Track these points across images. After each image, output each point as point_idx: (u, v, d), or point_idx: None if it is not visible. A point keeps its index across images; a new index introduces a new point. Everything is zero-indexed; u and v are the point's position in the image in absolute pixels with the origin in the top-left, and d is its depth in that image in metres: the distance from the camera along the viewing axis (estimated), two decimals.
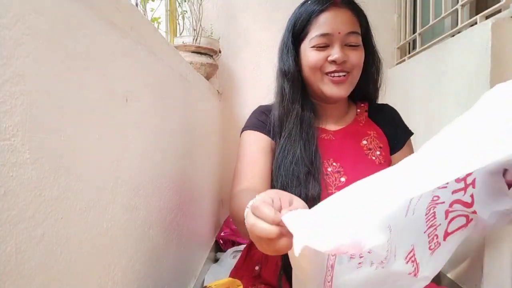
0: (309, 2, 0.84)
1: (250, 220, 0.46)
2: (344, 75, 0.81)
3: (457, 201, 0.57)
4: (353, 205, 0.43)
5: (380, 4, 1.94)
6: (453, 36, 1.29)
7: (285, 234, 0.43)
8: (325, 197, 0.77)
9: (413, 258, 0.54)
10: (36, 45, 0.41)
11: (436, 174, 0.43)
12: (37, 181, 0.41)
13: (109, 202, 0.59)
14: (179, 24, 1.73)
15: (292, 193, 0.74)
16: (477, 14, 1.14)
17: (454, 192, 0.56)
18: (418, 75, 1.48)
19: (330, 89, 0.82)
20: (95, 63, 0.55)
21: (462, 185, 0.56)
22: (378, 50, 0.91)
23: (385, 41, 1.86)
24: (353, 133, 0.88)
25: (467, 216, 0.59)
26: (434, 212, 0.56)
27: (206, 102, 1.53)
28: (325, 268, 0.50)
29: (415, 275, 0.54)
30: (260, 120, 0.87)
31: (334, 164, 0.82)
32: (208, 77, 1.75)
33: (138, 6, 1.27)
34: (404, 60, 1.75)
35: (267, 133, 0.85)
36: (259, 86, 2.01)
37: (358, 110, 0.93)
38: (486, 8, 1.10)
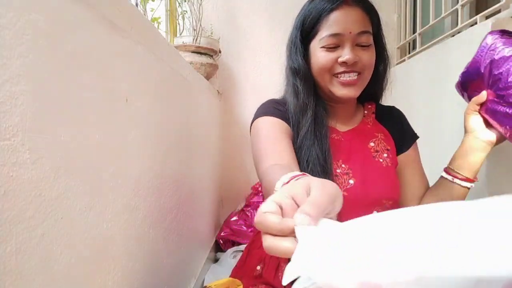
0: None
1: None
2: (355, 77, 0.78)
3: None
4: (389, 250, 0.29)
5: (380, 4, 1.93)
6: (453, 36, 1.28)
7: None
8: None
9: None
10: (36, 45, 0.41)
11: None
12: (37, 181, 0.41)
13: (109, 202, 0.59)
14: (179, 24, 1.73)
15: None
16: (477, 14, 1.14)
17: None
18: (418, 75, 1.48)
19: (339, 90, 0.79)
20: (95, 63, 0.55)
21: None
22: (387, 48, 0.88)
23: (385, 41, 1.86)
24: (361, 134, 0.87)
25: None
26: None
27: (206, 102, 1.53)
28: None
29: None
30: (278, 109, 0.83)
31: (343, 165, 0.81)
32: (208, 77, 1.75)
33: (138, 6, 1.27)
34: (404, 60, 1.75)
35: (287, 121, 0.81)
36: (259, 86, 2.01)
37: (365, 112, 0.92)
38: (486, 8, 1.09)
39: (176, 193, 0.97)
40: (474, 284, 0.28)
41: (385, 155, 0.85)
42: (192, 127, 1.21)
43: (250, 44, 2.02)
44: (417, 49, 1.65)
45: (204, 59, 1.68)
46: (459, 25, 1.27)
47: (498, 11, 1.04)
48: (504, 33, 0.77)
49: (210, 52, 1.72)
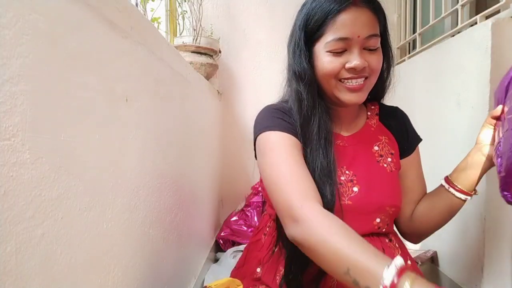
0: None
1: None
2: (362, 82, 0.74)
3: None
4: None
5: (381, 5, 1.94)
6: (453, 36, 1.29)
7: None
8: (338, 208, 0.75)
9: None
10: (36, 45, 0.41)
11: None
12: (37, 181, 0.41)
13: (109, 202, 0.59)
14: (179, 24, 1.73)
15: None
16: (477, 14, 1.14)
17: None
18: (418, 75, 1.48)
19: (345, 95, 0.75)
20: (95, 63, 0.55)
21: None
22: (392, 46, 0.85)
23: (391, 40, 1.86)
24: (365, 138, 0.84)
25: None
26: None
27: (206, 102, 1.53)
28: None
29: None
30: (284, 119, 0.78)
31: (347, 172, 0.79)
32: (208, 77, 1.75)
33: (138, 6, 1.27)
34: (404, 60, 1.75)
35: (294, 133, 0.77)
36: (259, 86, 2.01)
37: (369, 113, 0.89)
38: (486, 8, 1.10)
39: (176, 193, 0.97)
40: None
41: (389, 159, 0.83)
42: (192, 127, 1.21)
43: (250, 44, 2.02)
44: (417, 49, 1.65)
45: (204, 59, 1.68)
46: (459, 25, 1.27)
47: (498, 11, 1.04)
48: None
49: (210, 52, 1.72)
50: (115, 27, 0.61)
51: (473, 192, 0.80)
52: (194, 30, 1.65)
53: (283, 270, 0.78)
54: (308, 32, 0.76)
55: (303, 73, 0.76)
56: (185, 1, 1.71)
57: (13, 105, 0.37)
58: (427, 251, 1.30)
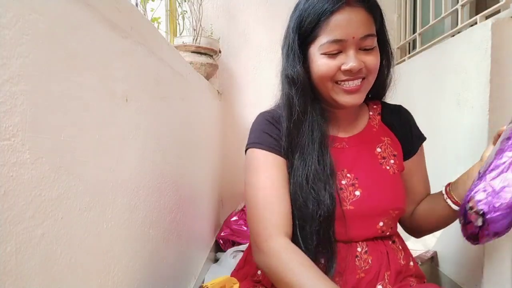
0: None
1: None
2: (359, 83, 0.73)
3: None
4: None
5: (380, 4, 1.94)
6: (453, 36, 1.29)
7: None
8: (340, 214, 0.74)
9: None
10: (36, 45, 0.41)
11: None
12: (37, 181, 0.41)
13: (109, 202, 0.59)
14: (179, 24, 1.73)
15: (308, 213, 0.72)
16: (477, 14, 1.14)
17: None
18: (418, 75, 1.48)
19: (342, 97, 0.74)
20: (95, 63, 0.55)
21: None
22: (390, 43, 0.82)
23: (388, 35, 1.87)
24: (367, 140, 0.82)
25: None
26: None
27: (206, 102, 1.53)
28: None
29: None
30: (273, 137, 0.77)
31: (348, 175, 0.77)
32: (208, 77, 1.76)
33: (138, 6, 1.27)
34: (404, 60, 1.75)
35: (282, 154, 0.77)
36: (259, 86, 2.01)
37: (371, 113, 0.86)
38: (486, 8, 1.09)
39: (176, 193, 0.97)
40: None
41: (392, 161, 0.81)
42: (192, 127, 1.21)
43: (250, 44, 2.02)
44: (417, 49, 1.65)
45: (204, 59, 1.68)
46: (459, 25, 1.27)
47: (498, 11, 1.04)
48: None
49: (210, 52, 1.72)
50: (115, 27, 0.61)
51: None
52: (194, 30, 1.65)
53: None
54: (301, 35, 0.74)
55: (296, 77, 0.75)
56: (185, 1, 1.71)
57: (13, 105, 0.37)
58: (427, 251, 1.30)
